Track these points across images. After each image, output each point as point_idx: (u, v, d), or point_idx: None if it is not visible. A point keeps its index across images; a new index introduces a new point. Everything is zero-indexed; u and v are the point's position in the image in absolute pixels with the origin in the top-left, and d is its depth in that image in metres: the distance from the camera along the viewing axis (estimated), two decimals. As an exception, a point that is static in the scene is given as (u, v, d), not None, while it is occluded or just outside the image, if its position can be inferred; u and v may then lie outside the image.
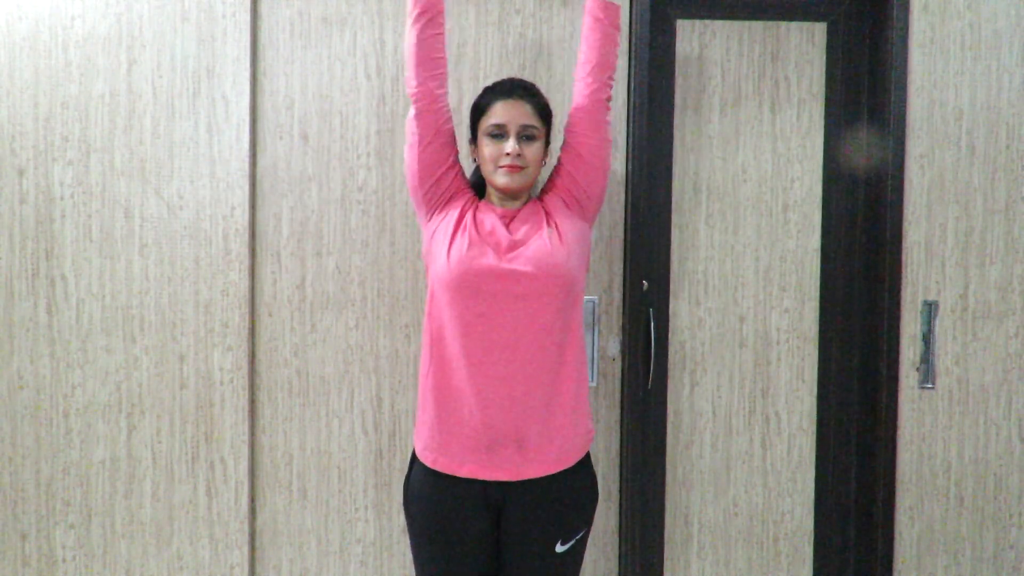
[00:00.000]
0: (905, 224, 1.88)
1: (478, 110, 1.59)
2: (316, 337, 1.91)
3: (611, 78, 1.61)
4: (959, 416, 1.92)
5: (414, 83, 1.55)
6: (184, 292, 1.89)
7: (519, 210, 1.58)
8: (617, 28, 1.62)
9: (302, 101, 1.89)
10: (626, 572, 1.89)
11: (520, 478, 1.49)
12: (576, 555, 1.56)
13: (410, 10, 1.55)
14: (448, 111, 1.58)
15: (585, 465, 1.58)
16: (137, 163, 1.88)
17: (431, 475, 1.52)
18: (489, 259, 1.48)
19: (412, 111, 1.56)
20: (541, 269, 1.47)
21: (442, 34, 1.57)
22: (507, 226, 1.54)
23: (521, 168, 1.52)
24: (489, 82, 1.85)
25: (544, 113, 1.58)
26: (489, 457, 1.48)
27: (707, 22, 1.97)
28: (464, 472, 1.49)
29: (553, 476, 1.51)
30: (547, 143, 1.60)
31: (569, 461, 1.52)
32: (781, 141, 1.98)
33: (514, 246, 1.50)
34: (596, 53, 1.59)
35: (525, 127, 1.53)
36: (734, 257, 1.98)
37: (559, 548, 1.52)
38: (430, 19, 1.55)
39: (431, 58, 1.55)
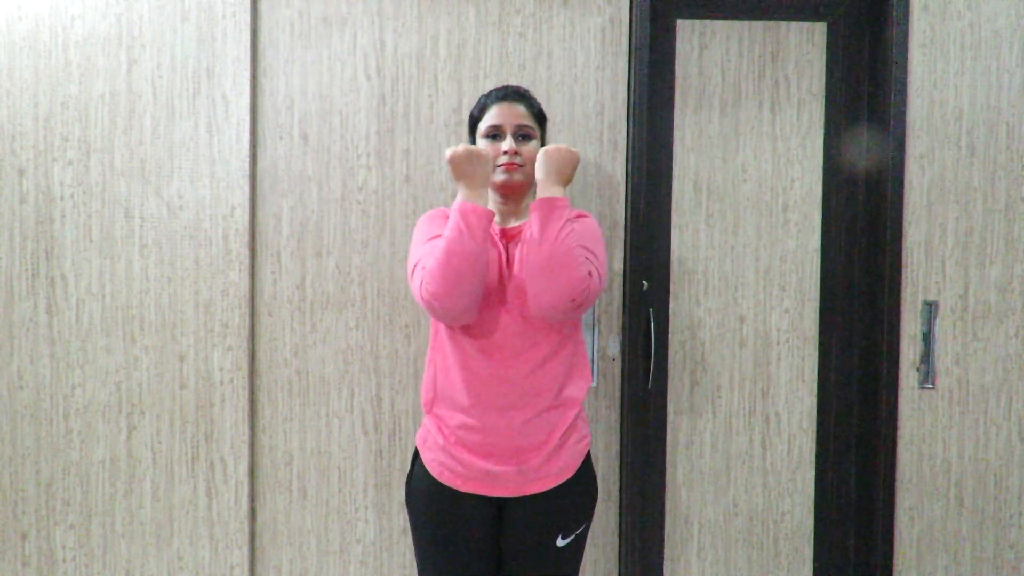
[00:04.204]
0: (905, 224, 1.88)
1: (475, 116, 1.62)
2: (316, 337, 1.91)
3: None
4: (959, 416, 1.91)
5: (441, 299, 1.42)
6: (184, 292, 1.89)
7: (520, 228, 1.57)
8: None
9: (302, 101, 1.89)
10: (626, 572, 1.89)
11: (522, 494, 1.51)
12: (577, 549, 1.57)
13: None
14: None
15: (584, 466, 1.58)
16: (137, 163, 1.88)
17: (434, 481, 1.54)
18: (489, 298, 1.48)
19: (421, 299, 1.45)
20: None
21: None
22: (506, 248, 1.54)
23: (518, 166, 1.54)
24: (489, 83, 1.86)
25: (538, 115, 1.61)
26: (490, 479, 1.50)
27: (707, 22, 1.97)
28: (467, 489, 1.51)
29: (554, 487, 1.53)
30: (542, 145, 1.62)
31: (569, 473, 1.54)
32: (781, 141, 1.98)
33: (515, 278, 1.50)
34: None
35: (521, 127, 1.56)
36: (734, 257, 1.98)
37: (560, 542, 1.53)
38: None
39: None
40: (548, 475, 1.51)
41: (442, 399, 1.53)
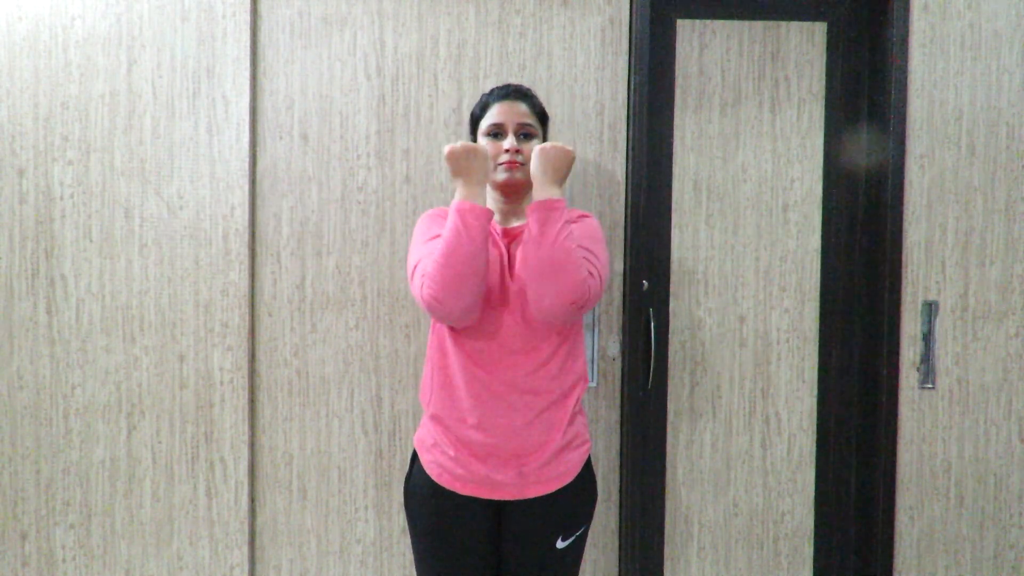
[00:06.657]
0: (905, 224, 1.88)
1: (476, 114, 1.62)
2: (316, 337, 1.91)
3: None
4: (959, 416, 1.91)
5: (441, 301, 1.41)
6: (184, 292, 1.89)
7: (521, 228, 1.57)
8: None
9: (302, 101, 1.89)
10: (626, 572, 1.89)
11: (521, 498, 1.51)
12: (576, 551, 1.57)
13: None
14: None
15: (584, 470, 1.58)
16: (137, 163, 1.88)
17: (433, 483, 1.54)
18: (491, 299, 1.48)
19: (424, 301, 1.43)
20: None
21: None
22: (508, 248, 1.54)
23: (520, 164, 1.54)
24: (489, 83, 1.86)
25: (540, 114, 1.62)
26: (490, 482, 1.50)
27: (707, 22, 1.97)
28: (466, 492, 1.51)
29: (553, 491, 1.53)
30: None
31: (568, 478, 1.53)
32: (781, 141, 1.98)
33: (516, 279, 1.49)
34: None
35: (523, 125, 1.56)
36: (734, 257, 1.98)
37: (559, 544, 1.53)
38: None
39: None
40: (548, 479, 1.51)
41: (441, 400, 1.52)
